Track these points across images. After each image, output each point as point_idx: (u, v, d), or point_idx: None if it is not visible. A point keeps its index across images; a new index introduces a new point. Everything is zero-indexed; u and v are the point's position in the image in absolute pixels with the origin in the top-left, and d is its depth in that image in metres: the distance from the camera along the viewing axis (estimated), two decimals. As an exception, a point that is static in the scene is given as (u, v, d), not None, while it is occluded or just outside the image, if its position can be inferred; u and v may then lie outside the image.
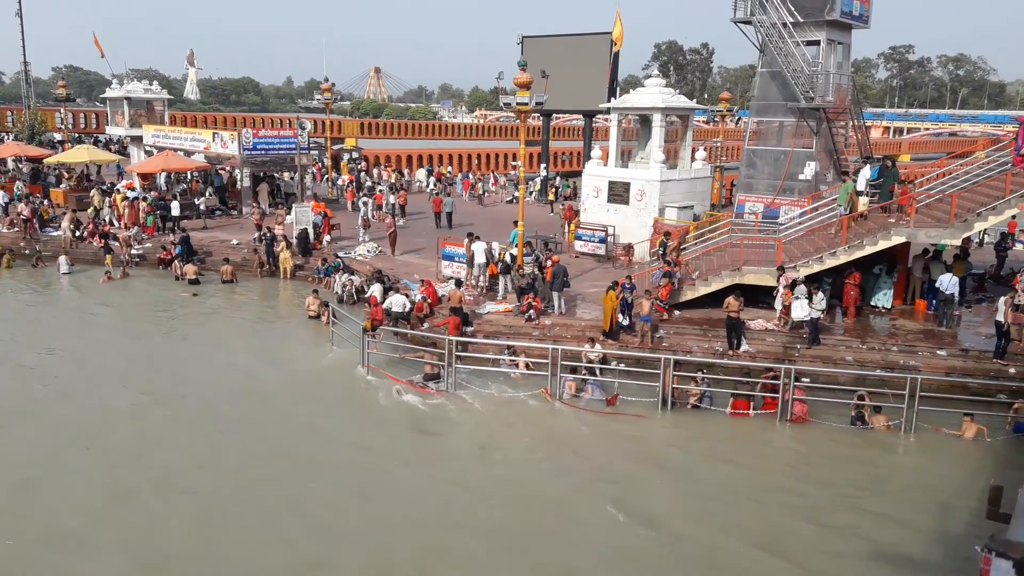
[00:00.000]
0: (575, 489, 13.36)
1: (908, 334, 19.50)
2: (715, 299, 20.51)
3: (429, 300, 21.36)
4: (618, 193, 27.89)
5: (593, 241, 27.18)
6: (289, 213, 30.93)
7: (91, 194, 33.66)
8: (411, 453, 14.65)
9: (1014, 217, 23.78)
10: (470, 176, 48.21)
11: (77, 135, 55.11)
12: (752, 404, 16.60)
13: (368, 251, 27.93)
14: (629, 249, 26.01)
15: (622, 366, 18.27)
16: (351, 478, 13.60)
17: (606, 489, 13.40)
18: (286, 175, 39.73)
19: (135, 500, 12.61)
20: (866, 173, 21.99)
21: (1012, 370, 17.44)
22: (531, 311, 20.18)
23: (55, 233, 30.86)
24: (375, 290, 21.49)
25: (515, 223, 23.59)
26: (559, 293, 20.82)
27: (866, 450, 15.23)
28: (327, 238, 29.58)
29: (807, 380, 17.32)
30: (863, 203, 21.49)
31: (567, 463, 14.46)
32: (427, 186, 43.05)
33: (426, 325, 20.53)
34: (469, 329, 19.69)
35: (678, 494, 13.34)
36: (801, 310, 18.90)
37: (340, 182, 42.02)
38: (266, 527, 11.95)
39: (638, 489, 13.47)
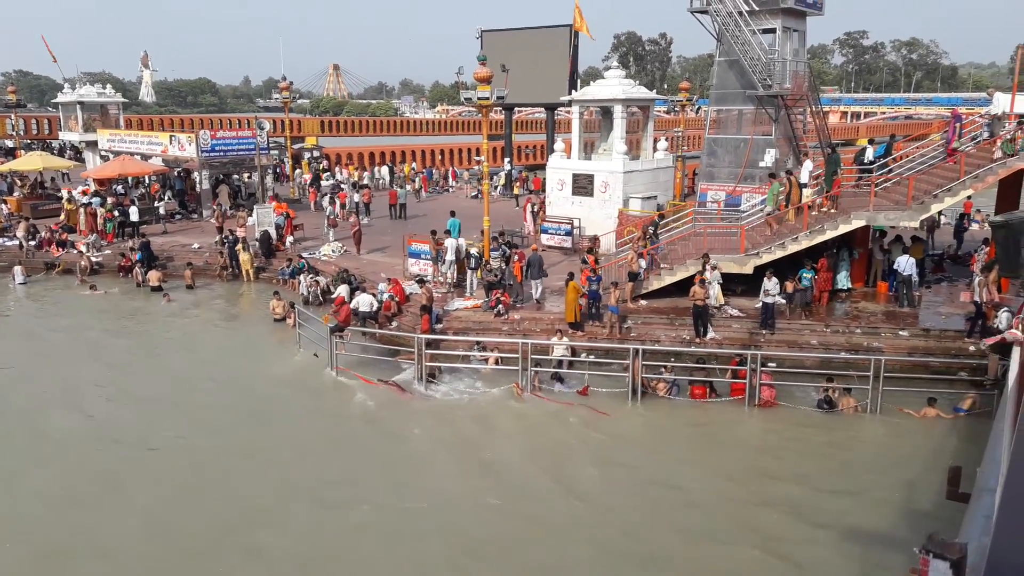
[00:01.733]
0: (548, 480, 13.39)
1: (870, 316, 19.84)
2: (682, 288, 20.67)
3: (397, 299, 21.23)
4: (582, 185, 27.95)
5: (559, 234, 27.24)
6: (250, 215, 30.52)
7: (63, 203, 32.74)
8: (387, 455, 14.58)
9: (969, 198, 24.32)
10: (434, 172, 47.98)
11: (29, 141, 53.81)
12: (710, 389, 16.82)
13: (333, 251, 27.69)
14: (595, 241, 26.07)
15: (591, 357, 18.35)
16: (328, 485, 13.48)
17: (577, 480, 13.45)
18: (246, 176, 39.21)
19: (95, 501, 12.38)
20: (808, 166, 22.33)
21: (972, 348, 17.82)
22: (500, 306, 20.16)
23: (9, 243, 30.11)
24: (341, 290, 21.32)
25: (448, 214, 23.53)
26: (537, 281, 21.05)
27: (833, 432, 15.50)
28: (290, 239, 29.26)
29: (774, 365, 17.56)
30: (807, 195, 21.79)
31: (541, 457, 14.50)
32: (390, 184, 42.76)
33: (394, 324, 20.41)
34: (439, 326, 19.61)
35: (644, 483, 13.45)
36: (712, 296, 19.59)
37: (303, 180, 41.59)
38: (237, 538, 11.80)
39: (605, 479, 13.55)
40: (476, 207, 34.98)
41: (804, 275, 19.38)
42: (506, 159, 46.08)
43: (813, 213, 20.98)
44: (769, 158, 27.67)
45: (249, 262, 27.06)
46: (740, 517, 12.36)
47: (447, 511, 12.53)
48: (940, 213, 28.79)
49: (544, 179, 42.00)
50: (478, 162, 46.73)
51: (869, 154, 22.52)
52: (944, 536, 6.33)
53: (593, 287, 19.26)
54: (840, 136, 68.07)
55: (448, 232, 23.34)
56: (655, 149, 29.29)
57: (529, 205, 30.58)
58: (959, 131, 20.78)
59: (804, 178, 22.19)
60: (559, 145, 29.67)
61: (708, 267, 19.90)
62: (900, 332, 18.75)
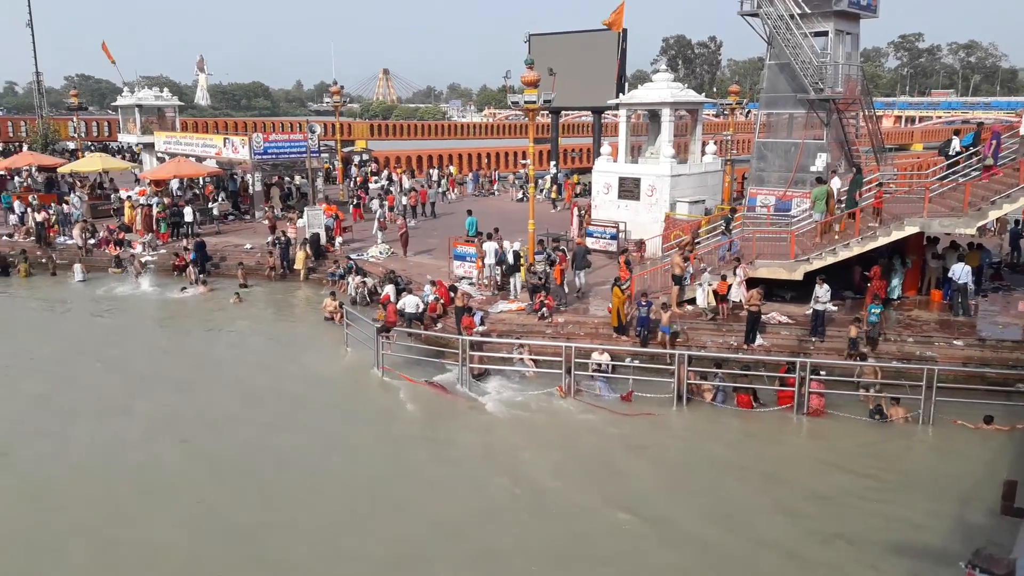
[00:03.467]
0: (589, 488, 13.36)
1: (923, 325, 19.35)
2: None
3: (442, 301, 21.39)
4: (628, 189, 27.83)
5: (604, 237, 27.15)
6: (301, 216, 31.05)
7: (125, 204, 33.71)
8: (431, 456, 14.72)
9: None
10: (480, 175, 48.14)
11: (90, 143, 55.52)
12: (753, 398, 16.61)
13: (381, 252, 27.98)
14: (641, 245, 25.94)
15: (636, 363, 18.26)
16: (376, 482, 13.66)
17: (620, 488, 13.39)
18: (297, 178, 39.88)
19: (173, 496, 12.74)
20: (836, 183, 21.98)
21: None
22: (543, 309, 20.18)
23: (70, 241, 31.14)
24: (388, 290, 21.56)
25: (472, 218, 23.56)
26: (581, 272, 21.51)
27: (884, 443, 15.18)
28: (339, 240, 29.67)
29: (824, 373, 17.25)
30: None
31: (584, 463, 14.48)
32: (439, 187, 43.10)
33: (439, 325, 20.58)
34: (481, 328, 19.71)
35: (694, 493, 13.33)
36: (701, 299, 19.65)
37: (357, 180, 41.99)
38: (279, 536, 12.03)
39: (652, 488, 13.46)
40: (521, 210, 35.09)
41: (873, 311, 18.11)
42: (552, 163, 46.07)
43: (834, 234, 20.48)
44: (820, 162, 27.22)
45: (303, 261, 27.48)
46: (785, 528, 12.16)
47: (484, 518, 12.57)
48: (997, 220, 27.97)
49: (576, 183, 42.05)
50: (524, 165, 46.77)
51: (956, 145, 21.70)
52: (994, 551, 6.12)
53: (642, 312, 18.61)
54: (893, 141, 66.52)
55: (482, 234, 23.29)
56: (703, 153, 29.00)
57: (576, 209, 30.55)
58: (996, 148, 20.09)
59: (835, 186, 21.74)
60: (606, 148, 29.58)
61: (737, 271, 19.84)
62: (954, 342, 18.26)
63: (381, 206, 33.41)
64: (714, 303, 19.97)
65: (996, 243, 27.25)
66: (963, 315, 19.56)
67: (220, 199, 36.42)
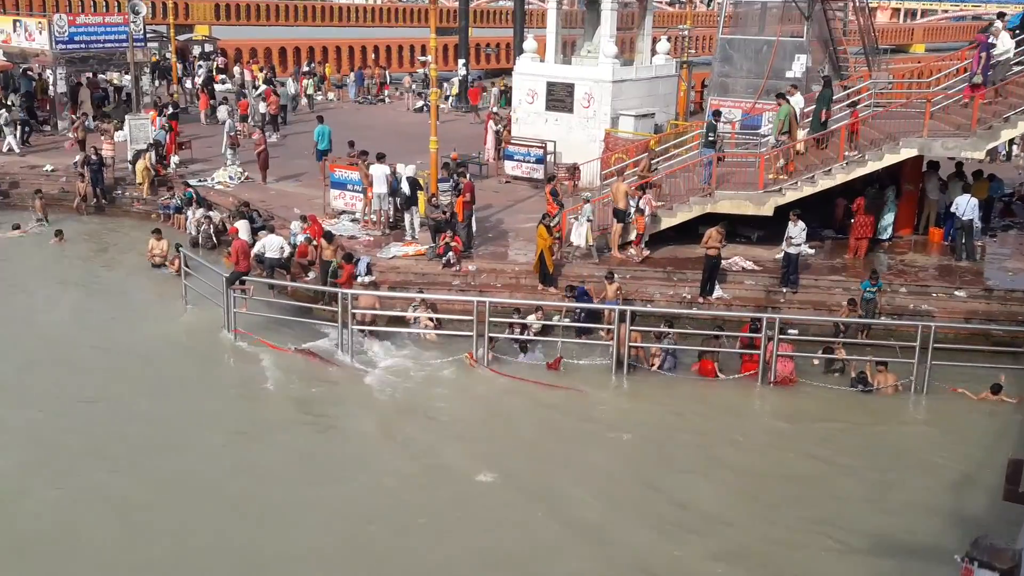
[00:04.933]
0: (506, 484, 13.57)
1: (919, 271, 20.25)
2: (685, 233, 20.89)
3: (315, 243, 21.06)
4: (559, 98, 27.80)
5: (528, 161, 27.12)
6: (120, 128, 29.88)
7: None
8: (306, 450, 14.58)
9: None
10: (364, 76, 47.16)
11: None
12: (718, 364, 17.16)
13: (231, 177, 27.33)
14: (574, 171, 26.05)
15: (566, 321, 18.48)
16: (232, 487, 13.48)
17: (544, 481, 13.65)
18: (116, 76, 38.23)
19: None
20: (799, 101, 22.40)
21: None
22: (449, 254, 20.13)
23: None
24: (241, 229, 21.06)
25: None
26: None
27: (867, 417, 15.91)
28: (174, 160, 28.76)
29: (795, 332, 17.86)
30: (800, 133, 21.98)
31: (497, 448, 14.66)
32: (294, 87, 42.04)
33: (312, 275, 20.30)
34: (367, 279, 19.54)
35: (634, 486, 13.66)
36: (578, 236, 20.14)
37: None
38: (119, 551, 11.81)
39: (582, 483, 13.75)
40: (421, 124, 34.64)
41: (868, 290, 18.37)
42: (461, 61, 45.56)
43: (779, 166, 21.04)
44: (798, 66, 27.76)
45: (144, 172, 26.82)
46: (752, 524, 12.65)
47: (369, 520, 12.64)
48: (1012, 142, 29.33)
49: (485, 90, 41.80)
50: (424, 64, 46.09)
51: (1002, 36, 21.45)
52: (996, 542, 6.48)
53: (582, 295, 18.60)
54: (889, 40, 68.46)
55: (367, 155, 22.78)
56: (653, 52, 29.17)
57: (491, 123, 30.38)
58: (984, 61, 20.83)
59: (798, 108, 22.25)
60: (530, 44, 29.39)
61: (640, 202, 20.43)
62: (956, 292, 19.16)
63: (231, 115, 32.42)
64: (592, 241, 20.39)
65: (1015, 170, 28.46)
66: (967, 259, 20.51)
67: (10, 104, 34.59)
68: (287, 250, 20.33)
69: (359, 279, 19.37)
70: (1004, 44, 21.25)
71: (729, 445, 14.92)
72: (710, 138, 21.84)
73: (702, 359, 17.25)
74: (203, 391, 16.44)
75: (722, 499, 13.26)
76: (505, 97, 40.52)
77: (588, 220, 20.36)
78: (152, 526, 12.21)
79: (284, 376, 16.90)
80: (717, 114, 23.12)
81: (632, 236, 20.72)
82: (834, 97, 23.35)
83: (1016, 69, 21.49)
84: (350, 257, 19.30)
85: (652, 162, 23.55)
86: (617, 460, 14.46)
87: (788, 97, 22.00)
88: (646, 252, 20.61)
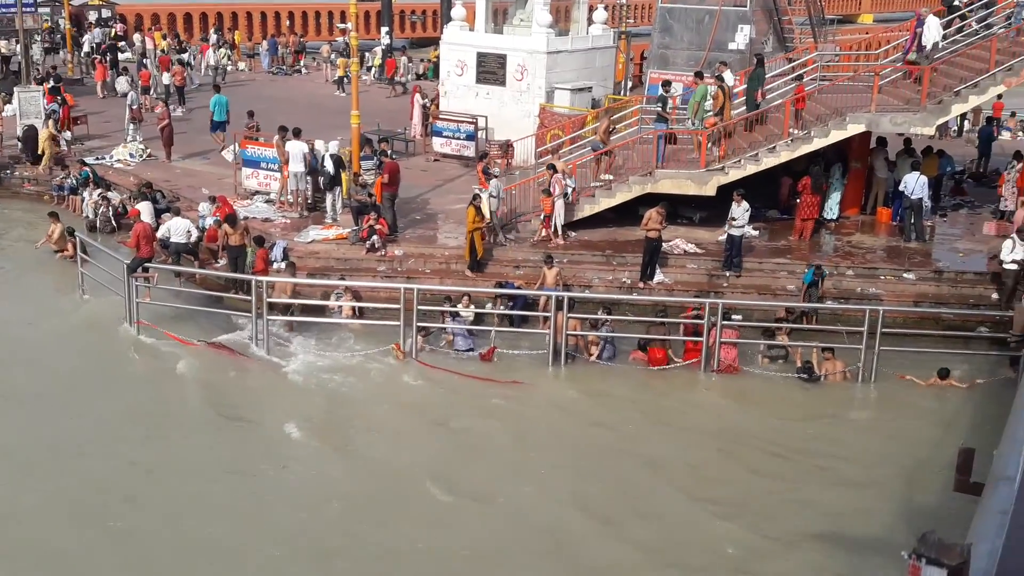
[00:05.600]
0: (438, 482, 13.61)
1: (866, 253, 20.71)
2: (622, 214, 21.13)
3: (227, 226, 20.78)
4: (490, 70, 27.75)
5: (458, 138, 27.07)
6: (8, 101, 29.11)
7: None
8: (219, 448, 14.48)
9: (999, 97, 25.42)
10: (278, 44, 46.52)
11: None
12: (661, 350, 17.34)
13: (132, 155, 26.90)
14: (508, 148, 26.07)
15: (500, 309, 18.54)
16: (141, 503, 13.33)
17: (479, 479, 13.72)
18: (1, 45, 37.26)
19: None
20: (728, 79, 22.54)
21: (995, 295, 18.82)
22: (374, 237, 20.02)
23: None
24: (144, 211, 20.69)
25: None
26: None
27: (812, 407, 16.28)
28: (67, 135, 28.11)
29: (738, 318, 18.17)
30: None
31: (427, 445, 14.71)
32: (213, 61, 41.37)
33: (223, 262, 20.04)
34: (281, 266, 19.37)
35: (574, 481, 13.83)
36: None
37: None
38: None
39: (518, 480, 13.86)
40: (340, 97, 34.41)
41: (810, 283, 18.44)
42: (384, 29, 45.21)
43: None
44: (742, 37, 28.08)
45: (47, 142, 26.32)
46: (694, 520, 12.88)
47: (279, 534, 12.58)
48: (962, 117, 30.07)
49: (402, 63, 41.54)
50: (343, 32, 45.61)
51: (929, 20, 21.79)
52: (943, 536, 6.64)
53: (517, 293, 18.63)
54: (836, 10, 69.58)
55: (287, 131, 22.47)
56: (590, 22, 29.26)
57: (417, 97, 30.23)
58: (919, 38, 21.38)
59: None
60: (459, 12, 29.24)
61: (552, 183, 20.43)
62: (905, 275, 19.65)
63: (132, 87, 31.76)
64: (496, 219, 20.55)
65: (963, 146, 29.19)
66: (916, 240, 21.04)
67: None
68: (194, 234, 20.06)
69: (275, 265, 19.18)
70: (930, 31, 21.64)
71: (671, 439, 15.15)
72: (661, 112, 21.91)
73: (650, 347, 17.36)
74: (103, 391, 16.13)
75: (662, 495, 13.50)
76: (432, 69, 40.41)
77: (492, 196, 20.35)
78: (47, 543, 12.00)
79: (193, 373, 16.70)
80: (667, 85, 23.00)
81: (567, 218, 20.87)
82: (778, 71, 23.70)
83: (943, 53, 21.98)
84: (262, 241, 19.11)
85: (610, 122, 23.17)
86: (554, 455, 14.56)
87: (720, 75, 22.15)
88: (559, 239, 20.61)
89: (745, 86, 22.45)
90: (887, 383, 16.85)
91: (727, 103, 21.53)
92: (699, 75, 22.32)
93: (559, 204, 20.38)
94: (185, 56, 39.90)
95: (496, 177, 21.07)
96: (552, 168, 20.80)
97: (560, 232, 20.50)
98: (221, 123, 27.10)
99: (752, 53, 25.79)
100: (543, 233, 20.66)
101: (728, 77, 22.58)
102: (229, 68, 41.79)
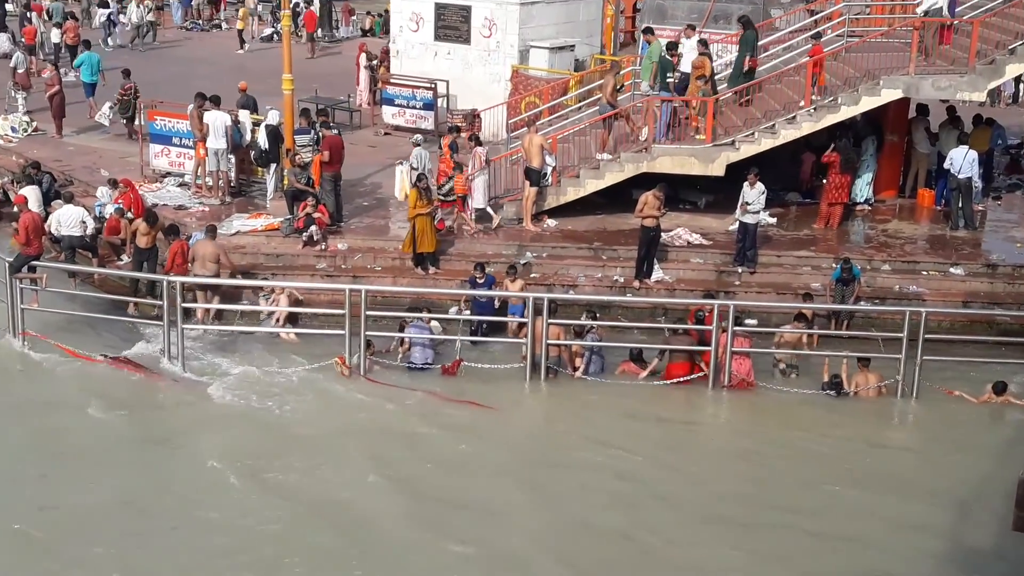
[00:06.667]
0: (389, 523, 13.53)
1: (905, 243, 20.79)
2: (612, 199, 21.11)
3: (132, 214, 20.62)
4: (452, 25, 27.66)
5: (414, 107, 26.96)
6: None
7: None
8: (126, 484, 14.29)
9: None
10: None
11: None
12: (634, 361, 17.42)
13: (14, 129, 26.75)
14: (474, 119, 25.96)
15: (466, 313, 18.46)
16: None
17: (440, 520, 13.66)
18: None
19: None
20: (691, 46, 22.64)
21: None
22: (312, 228, 19.90)
23: None
24: (29, 197, 20.48)
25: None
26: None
27: (845, 430, 16.20)
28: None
29: (753, 322, 18.16)
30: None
31: (378, 480, 14.58)
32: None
33: (126, 259, 19.88)
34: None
35: (555, 535, 13.64)
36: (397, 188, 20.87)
37: None
38: None
39: (486, 521, 13.78)
40: (269, 58, 34.12)
41: (838, 279, 18.46)
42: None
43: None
44: (753, -16, 28.07)
45: None
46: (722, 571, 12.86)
47: None
48: (1017, 80, 30.24)
49: (323, 10, 41.23)
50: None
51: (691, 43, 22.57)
52: None
53: (481, 300, 18.49)
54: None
55: (205, 100, 22.30)
56: (572, -34, 29.23)
57: (363, 57, 30.09)
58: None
59: (686, 66, 22.56)
60: (413, -45, 29.11)
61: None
62: (951, 269, 19.73)
63: (16, 46, 31.45)
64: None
65: (1019, 115, 29.33)
66: (965, 227, 21.13)
67: None
68: (90, 225, 19.80)
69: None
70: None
71: (677, 477, 15.03)
72: (668, 79, 21.85)
73: (670, 363, 17.17)
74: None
75: (680, 546, 13.39)
76: (381, 23, 40.30)
77: (413, 169, 20.55)
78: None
79: (92, 394, 16.48)
80: (673, 47, 22.79)
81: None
82: (798, 24, 23.72)
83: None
84: (176, 230, 18.94)
85: (617, 79, 22.68)
86: (532, 495, 14.44)
87: (703, 40, 22.27)
88: (533, 227, 20.71)
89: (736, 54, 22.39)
90: (932, 399, 16.87)
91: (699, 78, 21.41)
92: (648, 31, 22.62)
93: (478, 183, 20.50)
94: (109, 10, 39.36)
95: (420, 145, 21.24)
96: (473, 139, 21.35)
97: (530, 219, 20.62)
98: (92, 85, 27.30)
99: (765, 5, 25.89)
100: (459, 220, 20.79)
101: (690, 45, 22.64)
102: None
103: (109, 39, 37.58)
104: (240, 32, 39.00)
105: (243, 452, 15.14)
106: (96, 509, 13.71)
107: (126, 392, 16.72)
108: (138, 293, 18.92)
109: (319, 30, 41.24)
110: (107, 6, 38.96)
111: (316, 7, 41.69)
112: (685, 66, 22.32)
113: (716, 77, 21.96)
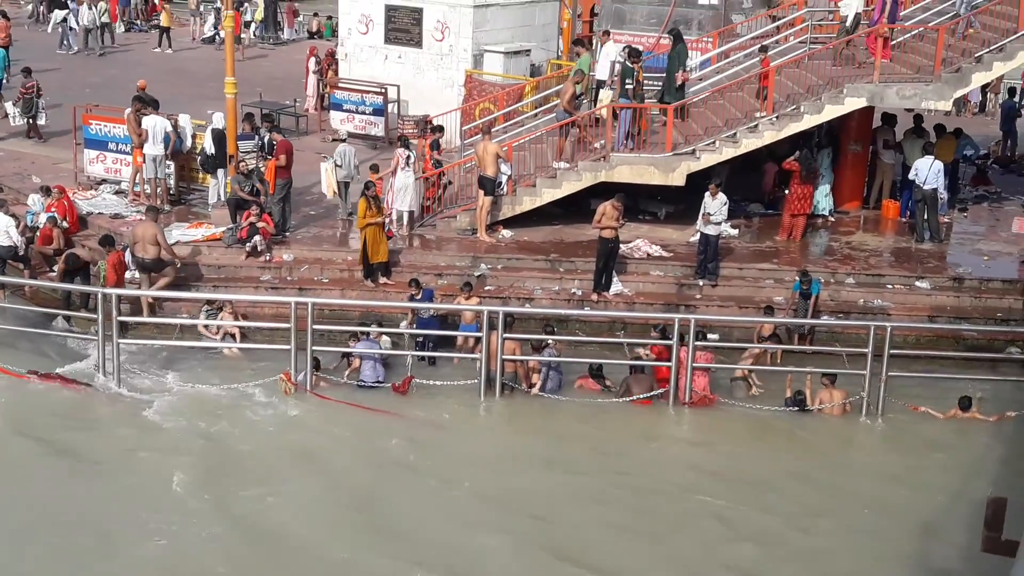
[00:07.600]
0: (341, 552, 13.44)
1: (870, 256, 20.95)
2: (570, 209, 21.18)
3: (67, 222, 20.44)
4: (403, 27, 27.62)
5: (363, 112, 26.93)
6: None
7: None
8: (59, 509, 14.06)
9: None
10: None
11: None
12: (594, 375, 17.52)
13: (-60, 133, 26.43)
14: (426, 125, 25.90)
15: (414, 327, 18.41)
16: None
17: (393, 548, 13.58)
18: None
19: None
20: (611, 53, 22.90)
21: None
22: (256, 238, 19.79)
23: None
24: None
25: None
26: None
27: (807, 447, 16.36)
28: None
29: (715, 337, 18.22)
30: (605, 98, 22.36)
31: (326, 504, 14.47)
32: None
33: (56, 269, 19.69)
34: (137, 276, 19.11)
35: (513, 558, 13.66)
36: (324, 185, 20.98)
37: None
38: None
39: (449, 556, 13.68)
40: (211, 59, 33.96)
41: (799, 290, 18.56)
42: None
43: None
44: (714, -10, 28.28)
45: None
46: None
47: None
48: (985, 89, 30.55)
49: (267, 11, 41.12)
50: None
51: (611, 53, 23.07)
52: None
53: (423, 314, 18.43)
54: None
55: (144, 103, 22.14)
56: (528, -32, 29.29)
57: (312, 61, 30.01)
58: (892, 5, 21.50)
59: (603, 72, 22.89)
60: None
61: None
62: (917, 283, 19.90)
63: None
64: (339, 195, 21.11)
65: (987, 125, 29.61)
66: (930, 240, 21.34)
67: None
68: (14, 235, 19.57)
69: (128, 273, 18.87)
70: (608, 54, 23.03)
71: (638, 497, 15.01)
72: (627, 85, 21.81)
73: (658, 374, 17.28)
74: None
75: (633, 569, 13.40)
76: (330, 25, 40.20)
77: (337, 165, 20.69)
78: None
79: (22, 413, 16.36)
80: (635, 55, 22.39)
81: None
82: (761, 31, 23.86)
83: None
84: (111, 241, 18.76)
85: (578, 87, 22.41)
86: (488, 517, 14.41)
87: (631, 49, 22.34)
88: (487, 238, 20.73)
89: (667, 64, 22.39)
90: (897, 416, 17.00)
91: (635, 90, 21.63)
92: (579, 43, 22.99)
93: (397, 184, 20.60)
94: (65, 12, 38.85)
95: (344, 141, 21.39)
96: (401, 140, 21.66)
97: (484, 230, 20.59)
98: None
99: (734, 5, 26.02)
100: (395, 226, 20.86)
101: (610, 51, 23.01)
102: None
103: (64, 43, 37.25)
104: (166, 31, 38.58)
105: (182, 475, 14.90)
106: (20, 532, 13.54)
107: (59, 409, 16.49)
108: (71, 306, 18.67)
109: (260, 30, 41.23)
110: (64, 7, 38.54)
111: (260, 9, 41.70)
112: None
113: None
